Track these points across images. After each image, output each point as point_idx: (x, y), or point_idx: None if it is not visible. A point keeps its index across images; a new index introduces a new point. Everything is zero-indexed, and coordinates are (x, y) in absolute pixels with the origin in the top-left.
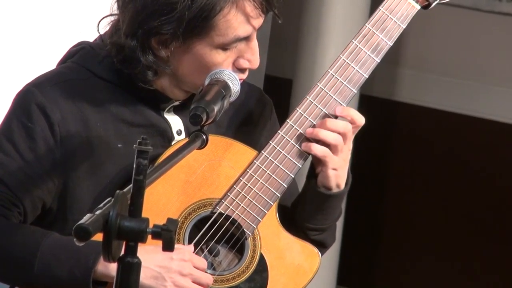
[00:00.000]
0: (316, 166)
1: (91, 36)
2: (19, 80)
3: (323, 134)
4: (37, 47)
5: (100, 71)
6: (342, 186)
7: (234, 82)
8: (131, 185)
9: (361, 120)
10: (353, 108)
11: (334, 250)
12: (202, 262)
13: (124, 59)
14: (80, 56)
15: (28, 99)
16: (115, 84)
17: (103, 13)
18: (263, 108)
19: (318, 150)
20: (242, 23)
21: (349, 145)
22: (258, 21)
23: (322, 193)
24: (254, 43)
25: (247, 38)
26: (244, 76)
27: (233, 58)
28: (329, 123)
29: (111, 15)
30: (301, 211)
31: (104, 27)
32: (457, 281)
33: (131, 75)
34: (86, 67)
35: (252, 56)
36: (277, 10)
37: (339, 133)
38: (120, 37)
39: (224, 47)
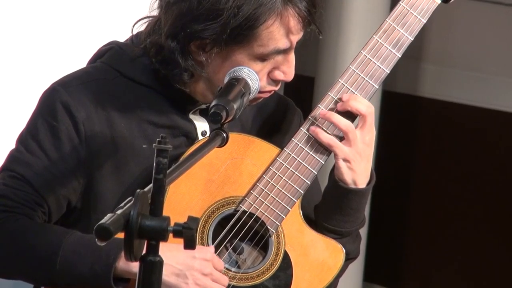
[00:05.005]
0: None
1: (91, 36)
2: (39, 80)
3: (335, 118)
4: (60, 48)
5: (130, 71)
6: (360, 183)
7: (253, 80)
8: (151, 184)
9: (362, 108)
10: (375, 104)
11: (360, 246)
12: (220, 263)
13: (163, 60)
14: (108, 56)
15: (53, 98)
16: (144, 84)
17: (104, 13)
18: (292, 117)
19: (324, 137)
20: (283, 36)
21: (365, 138)
22: (299, 36)
23: (339, 186)
24: (292, 56)
25: (285, 51)
26: (277, 88)
27: (269, 68)
28: (342, 107)
29: (148, 17)
30: (322, 210)
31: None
32: (485, 278)
33: (167, 76)
34: (114, 67)
35: (288, 69)
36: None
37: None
38: (160, 37)
39: (263, 57)
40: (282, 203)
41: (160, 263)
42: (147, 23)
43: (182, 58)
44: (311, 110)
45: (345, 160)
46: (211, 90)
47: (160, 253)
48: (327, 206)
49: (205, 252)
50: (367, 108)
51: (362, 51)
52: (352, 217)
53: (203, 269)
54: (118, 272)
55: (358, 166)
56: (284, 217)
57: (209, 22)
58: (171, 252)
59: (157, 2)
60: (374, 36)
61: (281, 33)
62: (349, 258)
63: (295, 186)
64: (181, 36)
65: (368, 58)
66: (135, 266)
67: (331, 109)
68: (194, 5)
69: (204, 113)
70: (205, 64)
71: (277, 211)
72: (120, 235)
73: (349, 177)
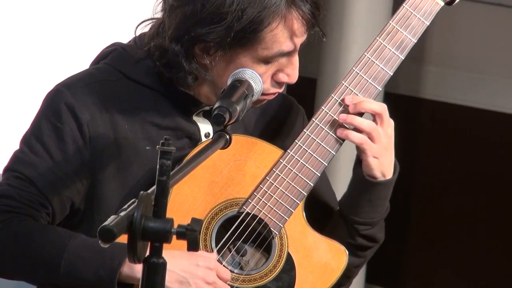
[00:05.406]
0: (359, 154)
1: (91, 37)
2: (42, 81)
3: (358, 121)
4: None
5: (133, 73)
6: (387, 175)
7: (256, 81)
8: (155, 186)
9: (376, 107)
10: None
11: None
12: (226, 273)
13: (167, 63)
14: (112, 58)
15: (57, 99)
16: (147, 86)
17: (107, 15)
18: (295, 116)
19: (355, 137)
20: (287, 38)
21: (387, 131)
22: (302, 38)
23: (368, 181)
24: (296, 58)
25: (289, 53)
26: (280, 90)
27: (273, 71)
28: (359, 107)
29: (151, 19)
30: (350, 204)
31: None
32: (485, 279)
33: (171, 79)
34: (117, 69)
35: (292, 71)
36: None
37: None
38: (164, 40)
39: (267, 60)
40: (286, 205)
41: (164, 264)
42: (150, 25)
43: (186, 62)
44: (313, 112)
45: (375, 157)
46: (215, 92)
47: None
48: (355, 201)
49: (209, 261)
50: (380, 106)
51: (365, 53)
52: (381, 207)
53: (207, 278)
54: (122, 277)
55: (385, 160)
56: (287, 219)
57: (213, 25)
58: (175, 259)
59: (161, 4)
60: (377, 38)
61: (285, 35)
62: (377, 244)
63: (298, 188)
64: (185, 39)
65: (372, 60)
66: (139, 272)
67: (335, 111)
68: (198, 8)
69: (207, 115)
70: (209, 67)
71: (280, 213)
72: (124, 238)
73: (379, 172)
